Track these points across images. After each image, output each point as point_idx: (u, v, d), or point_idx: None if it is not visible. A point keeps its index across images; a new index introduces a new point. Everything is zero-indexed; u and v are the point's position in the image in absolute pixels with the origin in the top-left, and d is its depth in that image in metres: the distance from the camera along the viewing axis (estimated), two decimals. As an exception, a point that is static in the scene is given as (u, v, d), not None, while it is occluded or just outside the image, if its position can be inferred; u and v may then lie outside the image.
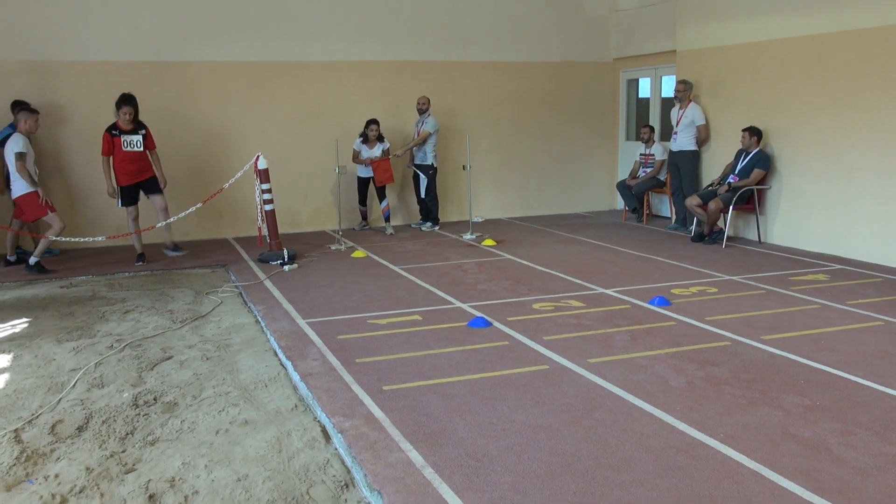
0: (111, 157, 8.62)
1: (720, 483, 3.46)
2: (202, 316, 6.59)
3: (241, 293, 7.35)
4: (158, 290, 7.62)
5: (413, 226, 11.23)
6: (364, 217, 11.05)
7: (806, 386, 4.61)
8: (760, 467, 3.60)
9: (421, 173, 10.76)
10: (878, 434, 3.94)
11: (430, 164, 10.73)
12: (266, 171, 8.65)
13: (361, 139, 10.53)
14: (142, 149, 8.71)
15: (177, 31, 10.09)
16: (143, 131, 8.73)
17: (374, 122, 10.46)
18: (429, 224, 11.05)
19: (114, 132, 8.58)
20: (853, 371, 4.84)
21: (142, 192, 8.86)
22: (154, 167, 8.88)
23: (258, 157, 8.66)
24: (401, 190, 11.41)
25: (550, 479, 3.52)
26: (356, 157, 10.55)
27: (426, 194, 10.88)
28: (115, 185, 8.67)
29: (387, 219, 10.75)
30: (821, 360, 5.05)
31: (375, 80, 11.09)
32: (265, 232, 8.77)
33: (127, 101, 8.60)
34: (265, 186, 8.65)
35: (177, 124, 10.00)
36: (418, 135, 10.65)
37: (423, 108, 10.67)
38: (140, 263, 8.74)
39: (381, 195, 10.67)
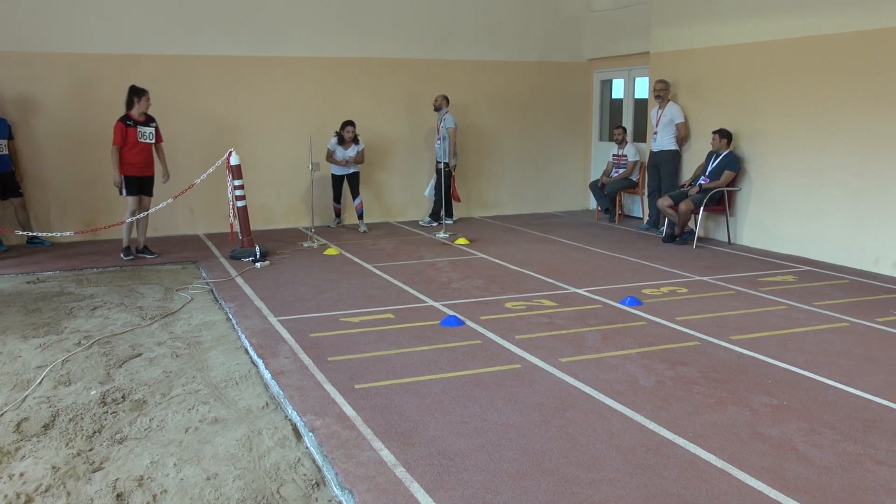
0: (121, 148, 8.42)
1: (688, 481, 3.50)
2: (172, 313, 6.53)
3: (212, 290, 7.29)
4: (128, 286, 7.53)
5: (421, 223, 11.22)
6: (338, 214, 11.00)
7: (773, 386, 4.68)
8: (728, 466, 3.64)
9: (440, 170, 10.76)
10: (842, 433, 4.01)
11: (444, 161, 10.72)
12: (238, 167, 8.59)
13: (336, 139, 10.47)
14: (153, 141, 8.61)
15: (149, 23, 9.97)
16: (154, 124, 8.63)
17: (350, 123, 10.38)
18: (427, 219, 11.12)
19: (128, 122, 8.42)
20: (819, 371, 4.92)
21: None
22: (160, 161, 8.77)
23: (230, 152, 8.59)
24: (378, 186, 11.38)
25: (522, 478, 3.54)
26: (330, 156, 10.49)
27: (436, 190, 10.89)
28: (120, 175, 8.48)
29: (360, 216, 10.72)
30: (788, 360, 5.13)
31: (351, 77, 11.04)
32: (237, 228, 8.71)
33: (144, 89, 8.47)
34: (237, 182, 8.58)
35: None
36: (447, 133, 10.61)
37: (439, 106, 10.72)
38: (129, 258, 8.63)
39: (355, 193, 10.64)
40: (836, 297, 6.83)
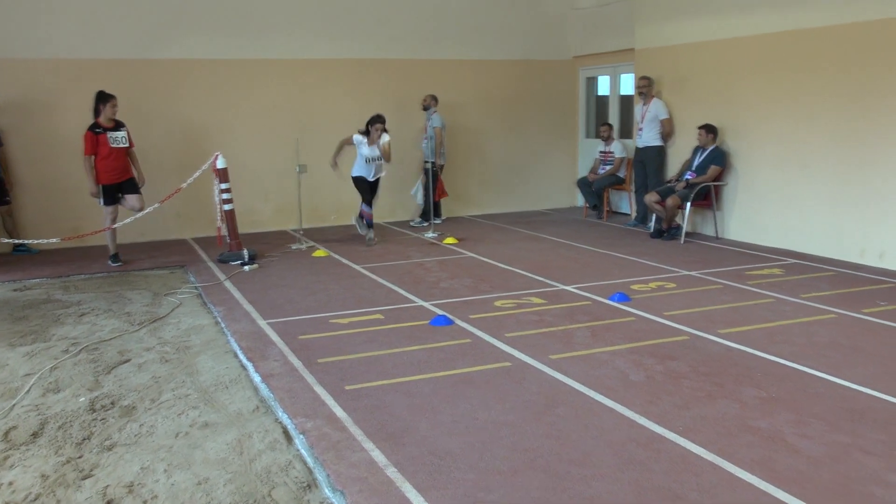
0: (93, 157, 8.32)
1: (679, 475, 3.51)
2: (160, 318, 6.50)
3: (200, 294, 7.26)
4: (115, 292, 7.49)
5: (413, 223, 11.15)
6: (370, 225, 9.60)
7: (762, 378, 4.70)
8: (718, 459, 3.66)
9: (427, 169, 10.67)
10: (830, 424, 4.04)
11: (432, 160, 10.69)
12: (225, 170, 8.56)
13: (363, 134, 9.38)
14: (127, 145, 8.52)
15: (135, 28, 9.92)
16: (125, 128, 8.53)
17: (378, 119, 9.30)
18: (418, 219, 11.09)
19: (97, 130, 8.30)
20: (807, 363, 4.95)
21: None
22: (132, 165, 8.67)
23: (217, 156, 8.56)
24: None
25: (513, 475, 3.54)
26: (348, 143, 9.43)
27: (425, 190, 10.85)
28: (97, 184, 8.38)
29: (370, 225, 9.80)
30: (776, 352, 5.16)
31: (337, 78, 11.02)
32: (225, 232, 8.68)
33: (111, 95, 8.36)
34: (224, 186, 8.56)
35: (134, 123, 9.80)
36: (434, 133, 10.56)
37: (427, 106, 10.68)
38: (117, 264, 8.58)
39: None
40: (823, 288, 6.88)
